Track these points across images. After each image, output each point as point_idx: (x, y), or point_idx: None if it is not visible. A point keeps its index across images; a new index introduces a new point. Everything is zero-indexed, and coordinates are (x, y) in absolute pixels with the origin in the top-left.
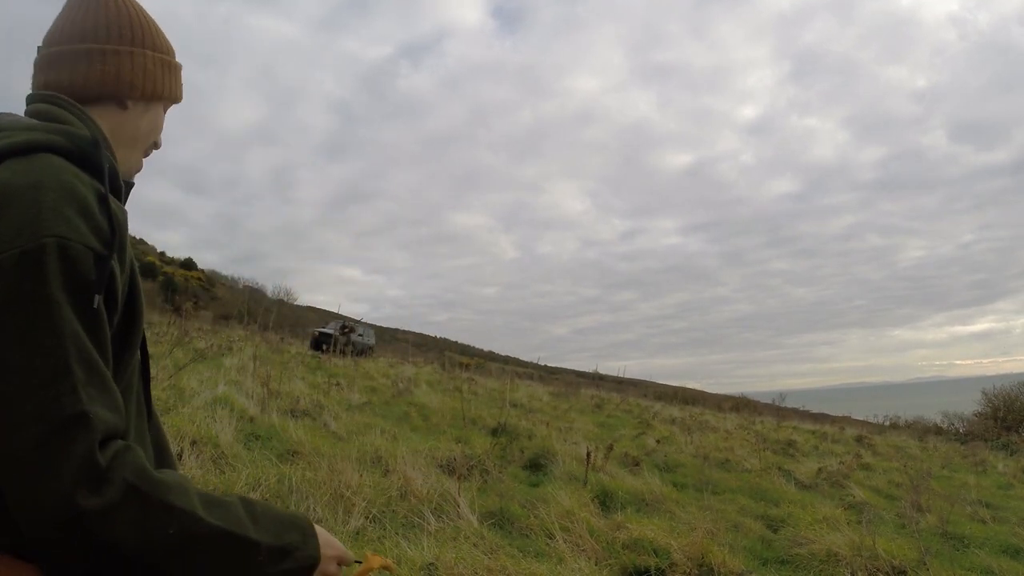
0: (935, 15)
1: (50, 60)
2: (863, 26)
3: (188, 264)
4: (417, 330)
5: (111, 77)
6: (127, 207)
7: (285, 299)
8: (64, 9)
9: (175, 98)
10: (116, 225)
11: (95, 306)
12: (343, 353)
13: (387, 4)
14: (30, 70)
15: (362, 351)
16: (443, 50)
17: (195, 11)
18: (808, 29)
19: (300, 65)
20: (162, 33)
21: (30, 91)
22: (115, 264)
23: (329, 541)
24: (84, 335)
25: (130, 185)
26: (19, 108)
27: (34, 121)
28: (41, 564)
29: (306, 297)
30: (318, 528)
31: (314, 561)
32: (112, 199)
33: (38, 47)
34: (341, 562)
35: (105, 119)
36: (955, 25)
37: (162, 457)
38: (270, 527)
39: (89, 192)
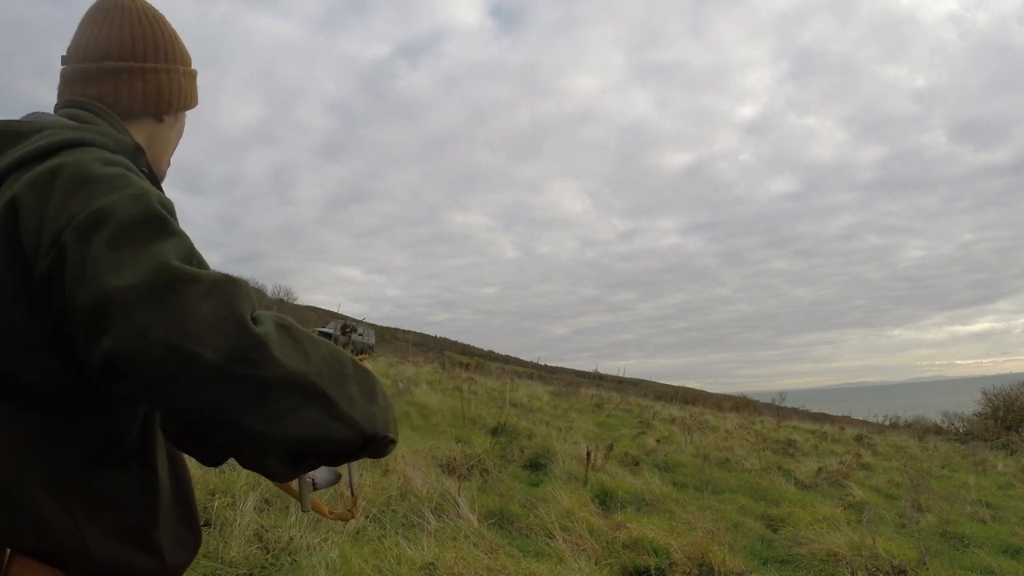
0: (934, 14)
1: (87, 76)
2: (862, 25)
3: None
4: (417, 330)
5: (152, 95)
6: None
7: (285, 299)
8: (91, 24)
9: (196, 104)
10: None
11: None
12: None
13: (385, 4)
14: (32, 68)
15: (362, 351)
16: (441, 50)
17: (194, 11)
18: (807, 28)
19: (299, 65)
20: (182, 41)
21: (57, 102)
22: None
23: None
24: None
25: None
26: (18, 106)
27: (76, 123)
28: (63, 567)
29: (306, 297)
30: None
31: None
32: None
33: (62, 57)
34: None
35: (143, 133)
36: (954, 24)
37: (175, 464)
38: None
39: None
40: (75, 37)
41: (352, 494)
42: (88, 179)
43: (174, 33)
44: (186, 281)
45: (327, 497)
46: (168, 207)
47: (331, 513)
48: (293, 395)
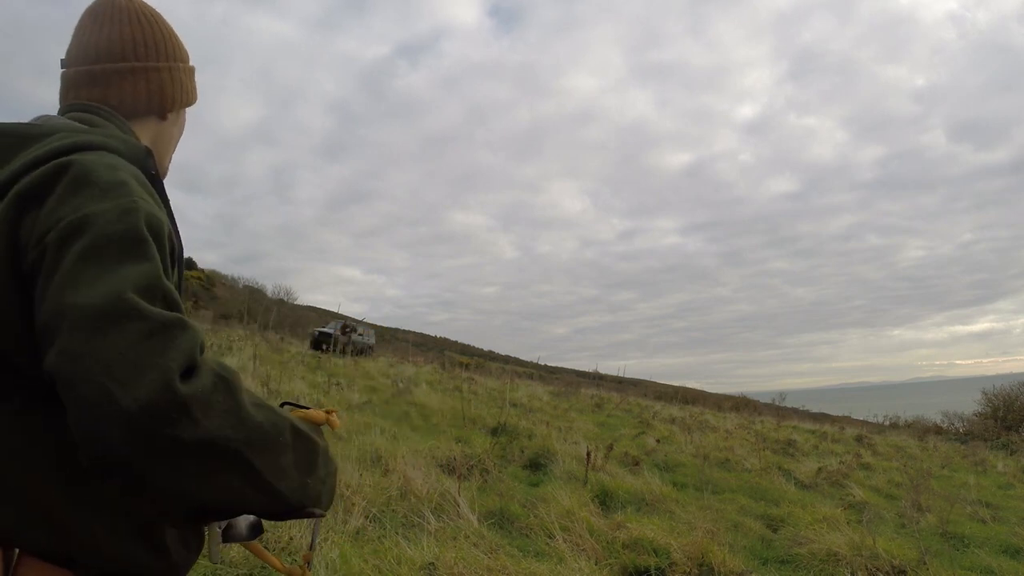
0: (934, 14)
1: (91, 78)
2: (862, 25)
3: (188, 264)
4: (417, 330)
5: (156, 94)
6: None
7: (285, 299)
8: (89, 25)
9: (196, 100)
10: (172, 229)
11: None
12: (343, 353)
13: (384, 3)
14: (31, 68)
15: (362, 351)
16: (440, 50)
17: (192, 11)
18: (806, 28)
19: (298, 65)
20: (179, 38)
21: (60, 105)
22: (176, 257)
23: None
24: (168, 275)
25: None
26: (18, 105)
27: (87, 126)
28: (72, 568)
29: (306, 297)
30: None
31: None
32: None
33: (62, 60)
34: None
35: (147, 132)
36: (954, 24)
37: None
38: (314, 431)
39: (150, 186)
40: (74, 39)
41: (310, 549)
42: (88, 182)
43: (172, 30)
44: (132, 317)
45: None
46: (155, 227)
47: (281, 566)
48: (210, 460)
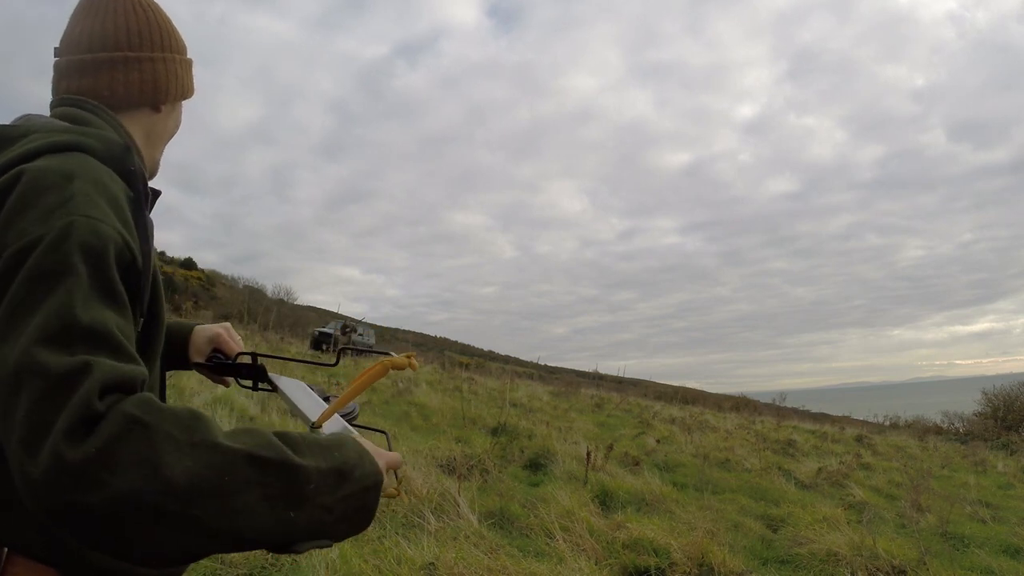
0: (933, 13)
1: (82, 67)
2: (861, 24)
3: (188, 264)
4: (417, 329)
5: (149, 85)
6: (154, 214)
7: (285, 299)
8: (84, 14)
9: (192, 94)
10: (144, 230)
11: (117, 285)
12: (343, 353)
13: (383, 3)
14: (31, 68)
15: (361, 352)
16: (439, 49)
17: (191, 10)
18: (806, 28)
19: (296, 65)
20: (177, 30)
21: (52, 97)
22: (140, 266)
23: (378, 451)
24: (101, 302)
25: (157, 193)
26: (17, 105)
27: (67, 124)
28: (60, 567)
29: (306, 297)
30: (365, 441)
31: (379, 478)
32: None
33: (55, 49)
34: (392, 467)
35: (139, 124)
36: (953, 23)
37: None
38: (314, 450)
39: (120, 193)
40: (68, 28)
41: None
42: (34, 200)
43: (169, 21)
44: (33, 375)
45: None
46: (96, 247)
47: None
48: (130, 518)
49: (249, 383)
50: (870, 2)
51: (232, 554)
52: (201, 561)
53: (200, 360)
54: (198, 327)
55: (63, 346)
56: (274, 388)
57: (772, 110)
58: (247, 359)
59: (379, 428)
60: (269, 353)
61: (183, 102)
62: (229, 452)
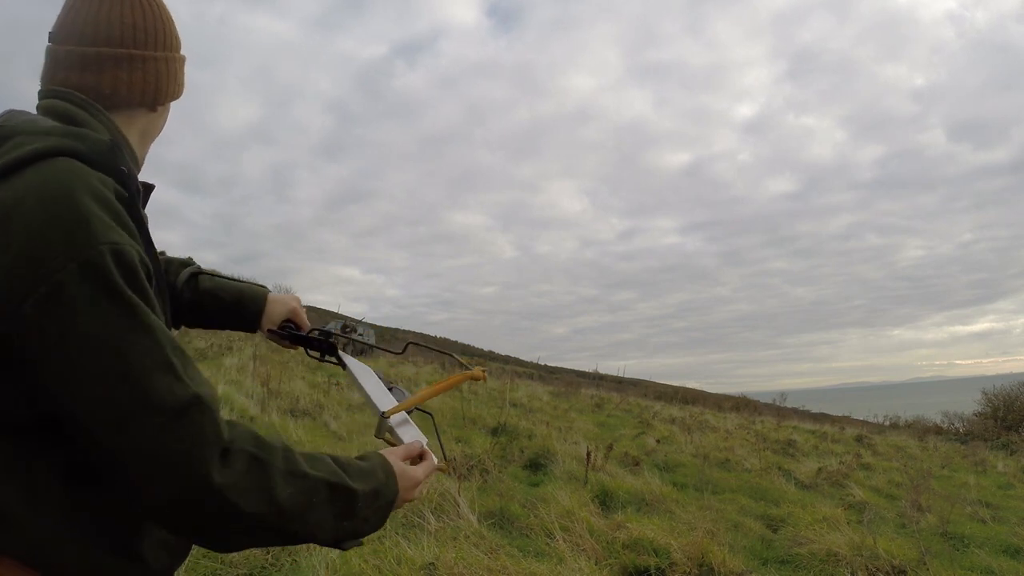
0: (933, 13)
1: (83, 61)
2: (860, 24)
3: (188, 264)
4: (417, 329)
5: (151, 86)
6: (153, 214)
7: None
8: (86, 2)
9: (183, 92)
10: (144, 229)
11: (154, 302)
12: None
13: (381, 3)
14: (29, 68)
15: (363, 351)
16: (438, 49)
17: (190, 10)
18: (805, 27)
19: (296, 64)
20: (175, 25)
21: (41, 84)
22: (152, 272)
23: (404, 471)
24: (163, 326)
25: (150, 187)
26: (16, 105)
27: (50, 123)
28: (43, 569)
29: (306, 297)
30: (392, 460)
31: (395, 495)
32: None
33: (50, 34)
34: (422, 480)
35: (135, 124)
36: (953, 23)
37: None
38: (359, 474)
39: (112, 196)
40: (67, 13)
41: (443, 452)
42: (43, 229)
43: (171, 17)
44: (156, 411)
45: None
46: (126, 262)
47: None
48: (241, 529)
49: (317, 355)
50: (869, 2)
51: (233, 554)
52: (201, 561)
53: (273, 328)
54: (272, 296)
55: (174, 377)
56: (342, 364)
57: (772, 110)
58: (315, 335)
59: (428, 411)
60: (336, 333)
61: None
62: (314, 480)
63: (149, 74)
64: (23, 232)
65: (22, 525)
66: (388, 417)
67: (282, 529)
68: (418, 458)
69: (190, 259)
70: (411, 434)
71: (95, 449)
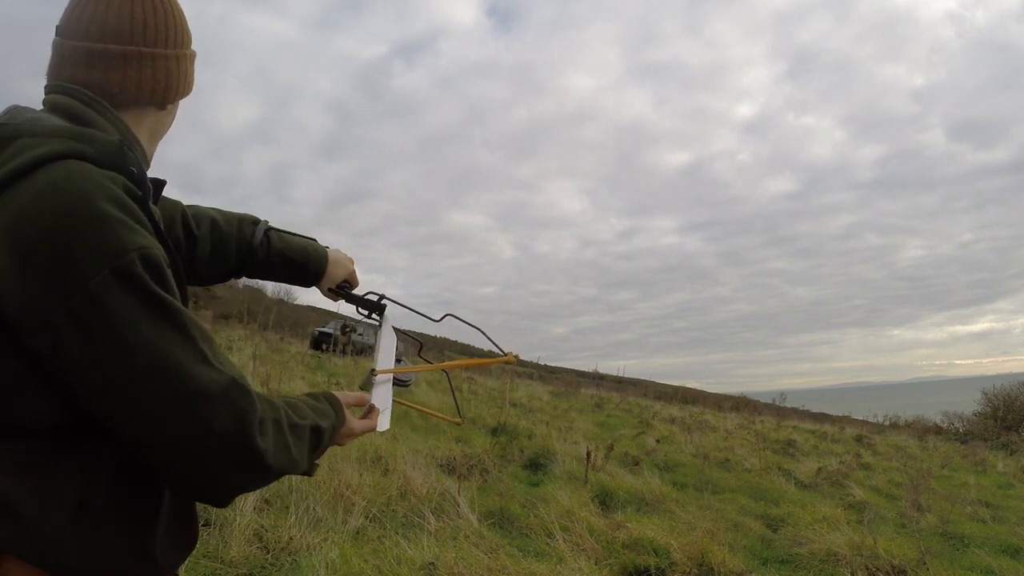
0: (932, 13)
1: (90, 58)
2: (860, 24)
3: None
4: (417, 329)
5: (161, 84)
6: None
7: (285, 299)
8: None
9: (193, 89)
10: (158, 227)
11: (177, 292)
12: (343, 352)
13: (381, 3)
14: (29, 68)
15: (362, 350)
16: (437, 49)
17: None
18: (804, 27)
19: (295, 64)
20: (186, 20)
21: (47, 79)
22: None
23: (349, 419)
24: (193, 317)
25: (161, 183)
26: (17, 102)
27: (55, 122)
28: (50, 568)
29: (306, 297)
30: (343, 403)
31: (338, 432)
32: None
33: (57, 28)
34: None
35: (144, 123)
36: (952, 22)
37: None
38: (322, 414)
39: (124, 195)
40: (75, 7)
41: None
42: (68, 239)
43: (182, 13)
44: (205, 398)
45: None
46: (154, 264)
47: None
48: (261, 481)
49: (366, 313)
50: (869, 1)
51: (232, 554)
52: (201, 562)
53: (332, 287)
54: (332, 256)
55: (210, 366)
56: (379, 324)
57: (771, 110)
58: (373, 297)
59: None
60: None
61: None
62: (304, 427)
63: (159, 72)
64: (46, 242)
65: (31, 524)
66: (375, 375)
67: (283, 474)
68: (365, 416)
69: (255, 217)
70: (380, 394)
71: (139, 445)
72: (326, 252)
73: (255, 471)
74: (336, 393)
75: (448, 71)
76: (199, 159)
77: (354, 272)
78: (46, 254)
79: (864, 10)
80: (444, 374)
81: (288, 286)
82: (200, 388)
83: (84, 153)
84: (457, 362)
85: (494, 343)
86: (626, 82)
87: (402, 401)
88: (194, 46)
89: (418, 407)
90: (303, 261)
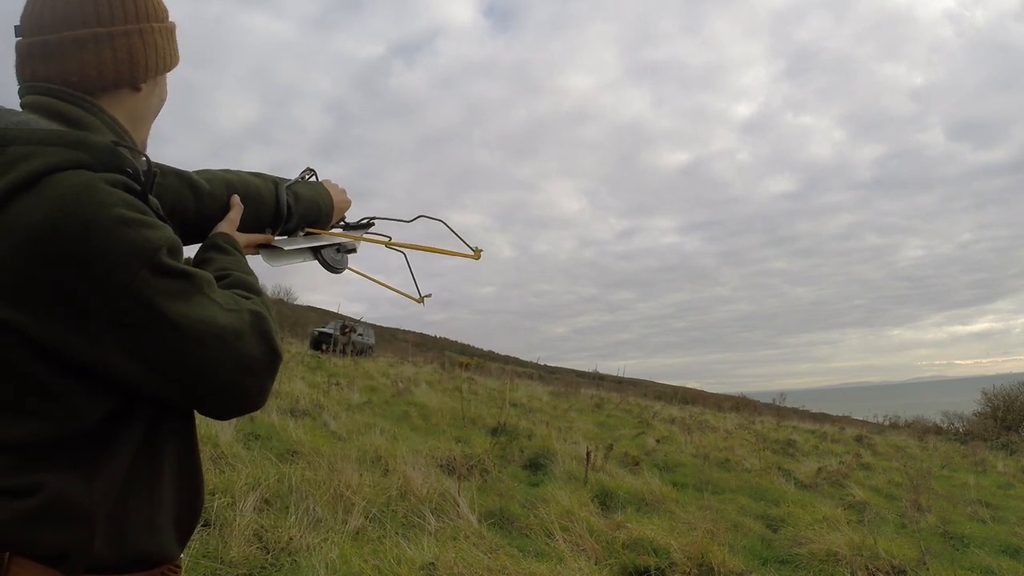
0: (931, 12)
1: (47, 51)
2: (859, 23)
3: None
4: (416, 329)
5: (124, 64)
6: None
7: (285, 299)
8: None
9: (177, 63)
10: (159, 214)
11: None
12: (343, 353)
13: (379, 3)
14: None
15: (362, 351)
16: (436, 49)
17: (187, 10)
18: (803, 26)
19: (294, 64)
20: None
21: (18, 83)
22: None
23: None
24: (209, 275)
25: (153, 174)
26: (14, 106)
27: (44, 126)
28: (62, 567)
29: (306, 297)
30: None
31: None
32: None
33: (16, 28)
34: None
35: (120, 106)
36: (952, 22)
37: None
38: (245, 267)
39: (126, 192)
40: (30, 4)
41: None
42: (97, 252)
43: None
44: (246, 338)
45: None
46: (176, 248)
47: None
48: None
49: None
50: (868, 1)
51: (232, 554)
52: (201, 562)
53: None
54: (337, 205)
55: (232, 311)
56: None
57: (770, 109)
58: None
59: (401, 250)
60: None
61: (179, 95)
62: (263, 301)
63: (120, 51)
64: (79, 264)
65: (89, 520)
66: (304, 232)
67: None
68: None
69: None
70: (295, 242)
71: (194, 393)
72: (332, 204)
73: (279, 360)
74: (237, 236)
75: (447, 71)
76: (199, 159)
77: (350, 203)
78: (82, 273)
79: (863, 9)
80: (444, 371)
81: (288, 286)
82: (236, 331)
83: (82, 161)
84: (416, 245)
85: (461, 238)
86: (625, 82)
87: (356, 270)
88: (192, 46)
89: (376, 279)
90: (315, 219)
